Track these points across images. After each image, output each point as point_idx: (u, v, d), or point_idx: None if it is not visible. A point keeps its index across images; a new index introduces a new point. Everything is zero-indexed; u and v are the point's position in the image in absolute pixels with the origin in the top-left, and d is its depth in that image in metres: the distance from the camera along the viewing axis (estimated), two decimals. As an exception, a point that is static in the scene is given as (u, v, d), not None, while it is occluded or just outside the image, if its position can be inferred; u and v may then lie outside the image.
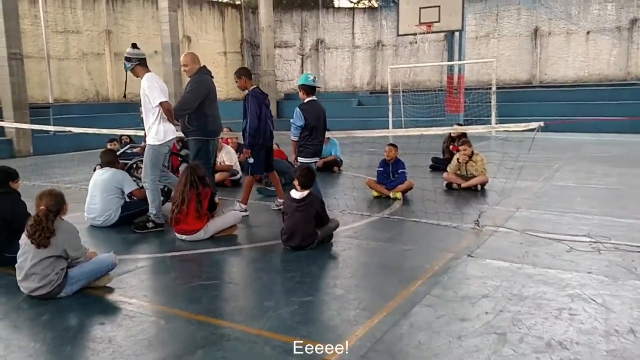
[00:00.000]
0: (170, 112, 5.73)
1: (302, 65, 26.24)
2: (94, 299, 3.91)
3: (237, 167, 9.11)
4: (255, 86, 6.55)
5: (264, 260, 4.90)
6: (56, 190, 4.12)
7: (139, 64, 5.78)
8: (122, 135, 10.32)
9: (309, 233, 4.99)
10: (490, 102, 17.52)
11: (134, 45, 5.89)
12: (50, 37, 18.08)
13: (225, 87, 25.03)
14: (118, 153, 7.09)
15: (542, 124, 5.56)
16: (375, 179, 7.66)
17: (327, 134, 8.63)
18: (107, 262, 4.12)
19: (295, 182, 5.13)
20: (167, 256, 5.01)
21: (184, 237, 5.44)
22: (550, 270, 4.33)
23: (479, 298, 3.76)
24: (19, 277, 3.92)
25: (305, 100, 6.13)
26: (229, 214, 5.81)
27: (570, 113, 18.61)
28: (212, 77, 6.55)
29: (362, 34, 24.98)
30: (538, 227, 5.65)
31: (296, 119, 6.02)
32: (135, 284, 4.22)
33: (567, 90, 20.88)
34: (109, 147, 9.46)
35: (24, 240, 3.91)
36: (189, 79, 6.29)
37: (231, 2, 26.80)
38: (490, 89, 17.70)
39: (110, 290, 4.07)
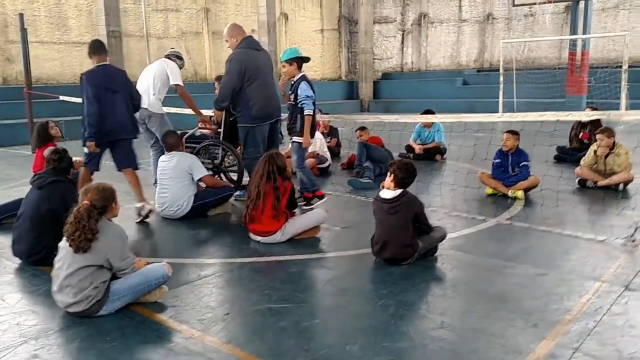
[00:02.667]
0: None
1: (402, 42, 24.67)
2: (138, 321, 3.16)
3: (326, 154, 8.20)
4: (103, 63, 5.20)
5: (349, 277, 3.93)
6: (106, 184, 3.42)
7: None
8: (211, 117, 9.74)
9: (407, 243, 3.95)
10: (618, 82, 15.19)
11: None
12: (151, 15, 18.08)
13: (322, 67, 24.25)
14: (186, 136, 6.51)
15: None
16: (489, 172, 6.40)
17: (433, 118, 7.40)
18: (158, 274, 3.37)
19: (389, 178, 4.07)
20: (236, 262, 4.21)
21: (258, 238, 4.62)
22: None
23: (655, 363, 2.58)
24: (53, 288, 3.27)
25: (301, 75, 5.63)
26: (312, 213, 4.90)
27: None
28: (259, 50, 5.65)
29: (471, 6, 22.82)
30: None
31: (307, 90, 5.52)
32: (191, 301, 3.43)
33: None
34: (199, 126, 8.94)
35: (62, 242, 3.26)
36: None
37: (331, -24, 25.75)
38: (619, 67, 15.36)
39: (162, 308, 3.32)
